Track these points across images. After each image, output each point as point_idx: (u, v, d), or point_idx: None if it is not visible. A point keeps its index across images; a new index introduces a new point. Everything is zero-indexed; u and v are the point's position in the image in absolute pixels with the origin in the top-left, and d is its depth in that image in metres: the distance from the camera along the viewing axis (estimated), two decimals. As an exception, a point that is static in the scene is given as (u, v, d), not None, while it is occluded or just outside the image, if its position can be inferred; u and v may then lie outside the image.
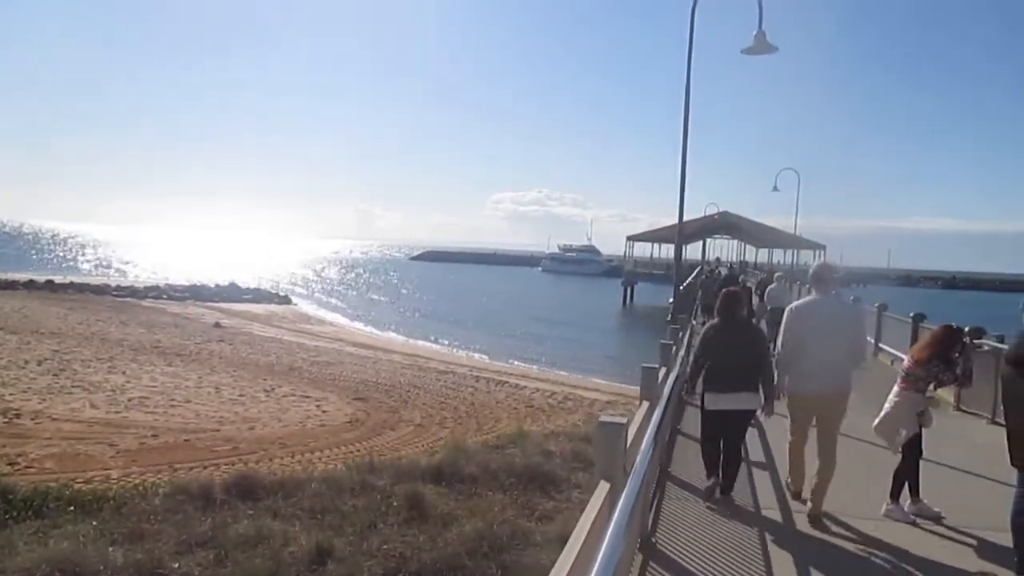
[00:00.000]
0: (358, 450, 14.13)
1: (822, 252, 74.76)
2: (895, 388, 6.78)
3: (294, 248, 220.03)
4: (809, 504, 6.49)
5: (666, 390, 5.89)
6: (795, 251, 70.80)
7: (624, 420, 3.33)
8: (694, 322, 17.60)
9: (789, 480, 7.08)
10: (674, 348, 8.86)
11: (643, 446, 3.74)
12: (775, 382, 6.77)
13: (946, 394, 10.32)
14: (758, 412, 6.97)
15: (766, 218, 78.55)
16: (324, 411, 17.59)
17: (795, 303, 7.10)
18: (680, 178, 14.21)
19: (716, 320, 7.09)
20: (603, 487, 2.98)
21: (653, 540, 5.62)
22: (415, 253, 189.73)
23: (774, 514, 6.49)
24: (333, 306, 55.25)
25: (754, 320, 9.91)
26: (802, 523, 6.30)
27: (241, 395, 18.77)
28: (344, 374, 23.03)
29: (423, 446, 14.70)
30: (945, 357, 6.62)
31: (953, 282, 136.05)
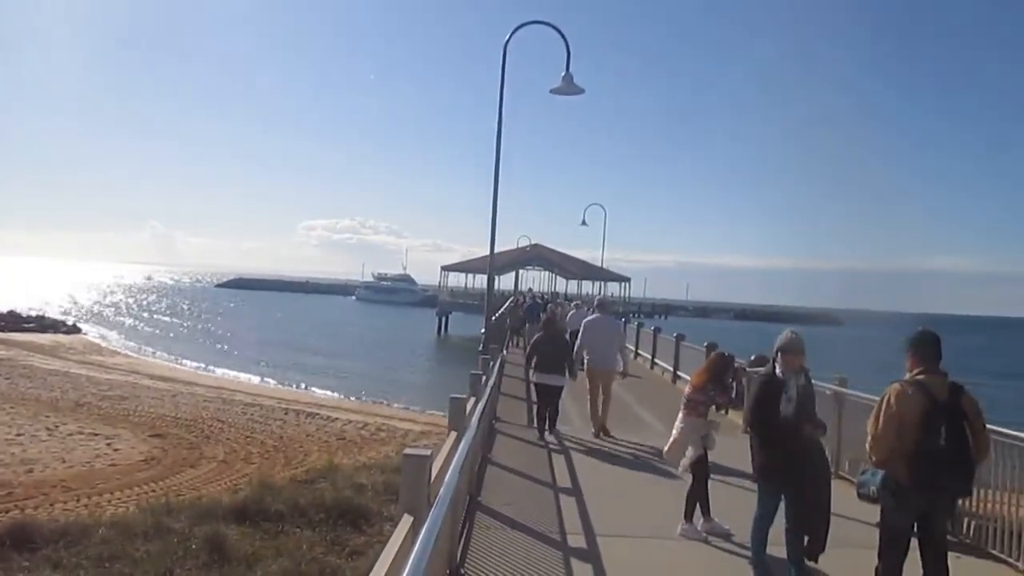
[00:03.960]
0: (154, 490, 13.22)
1: (627, 284, 78.80)
2: (680, 415, 7.24)
3: (88, 273, 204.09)
4: (599, 427, 11.59)
5: (474, 420, 5.95)
6: (603, 283, 73.96)
7: (429, 452, 3.33)
8: (505, 352, 18.06)
9: (592, 422, 11.75)
10: (484, 378, 8.98)
11: (447, 477, 3.75)
12: (575, 365, 11.54)
13: (736, 416, 11.09)
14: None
15: (576, 251, 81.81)
16: (116, 449, 16.34)
17: (588, 318, 12.23)
18: (492, 212, 14.52)
19: (541, 332, 11.94)
20: (406, 521, 2.96)
21: (462, 571, 5.64)
22: (222, 280, 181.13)
23: (579, 540, 6.68)
24: (129, 335, 51.66)
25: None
26: (604, 545, 6.53)
27: (19, 434, 17.08)
28: (140, 409, 21.52)
29: (226, 484, 13.97)
30: (720, 382, 7.17)
31: (743, 313, 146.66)
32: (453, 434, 5.24)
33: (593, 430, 11.65)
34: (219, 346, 47.12)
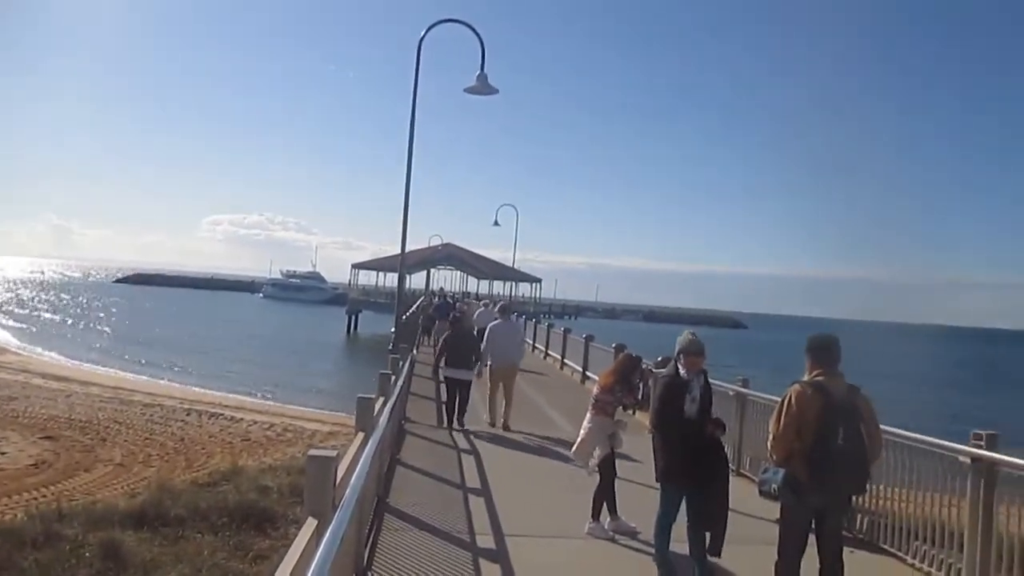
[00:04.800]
0: (44, 496, 12.61)
1: (538, 285, 79.46)
2: (588, 415, 7.33)
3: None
4: (502, 423, 12.49)
5: (382, 420, 5.87)
6: (514, 283, 74.40)
7: (334, 453, 3.26)
8: (415, 352, 18.01)
9: (488, 416, 12.87)
10: (394, 378, 8.89)
11: (353, 479, 3.68)
12: (480, 362, 12.60)
13: (644, 416, 11.28)
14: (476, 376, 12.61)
15: (489, 251, 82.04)
16: (2, 453, 15.53)
17: (492, 323, 13.54)
18: (403, 210, 14.41)
19: (450, 330, 13.00)
20: (311, 524, 2.89)
21: (369, 574, 5.56)
22: (121, 275, 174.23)
23: (487, 540, 6.67)
24: (18, 332, 49.20)
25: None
26: (512, 545, 6.54)
27: None
28: (29, 410, 20.50)
29: (123, 488, 13.45)
30: (627, 382, 7.28)
31: (652, 315, 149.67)
32: (360, 435, 5.15)
33: (489, 419, 12.80)
34: (116, 344, 45.32)
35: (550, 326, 28.17)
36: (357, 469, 3.93)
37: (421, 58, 14.07)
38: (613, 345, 16.61)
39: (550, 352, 25.25)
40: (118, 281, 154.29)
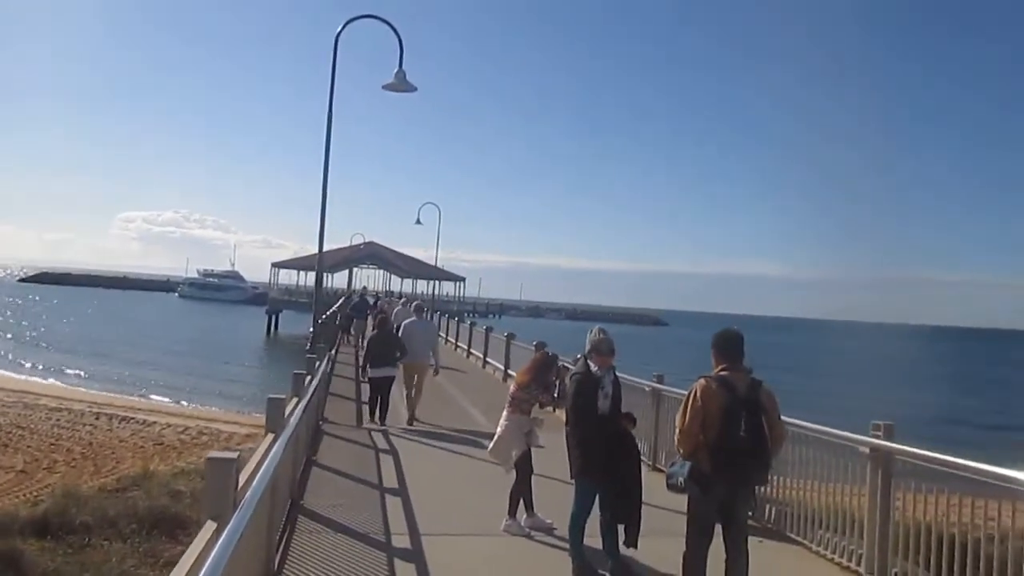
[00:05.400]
0: (-62, 506, 12.01)
1: (462, 284, 79.45)
2: (504, 413, 7.36)
3: None
4: (411, 416, 12.99)
5: (292, 420, 5.78)
6: (438, 282, 74.15)
7: (234, 455, 3.19)
8: (333, 352, 17.86)
9: (407, 411, 13.18)
10: (309, 378, 8.75)
11: (256, 481, 3.60)
12: (401, 356, 12.90)
13: (561, 414, 11.38)
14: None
15: (412, 249, 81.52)
16: None
17: (407, 321, 14.06)
18: (321, 207, 14.20)
19: (376, 330, 13.63)
20: (209, 527, 2.81)
21: (280, 577, 5.47)
22: (25, 273, 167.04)
23: (403, 540, 6.63)
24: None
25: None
26: (428, 544, 6.52)
27: None
28: (-78, 417, 19.53)
29: (26, 495, 12.91)
30: (543, 380, 7.31)
31: (574, 314, 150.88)
32: (270, 436, 5.06)
33: (407, 414, 13.19)
34: (21, 347, 43.46)
35: (472, 324, 28.16)
36: (261, 471, 3.85)
37: (339, 55, 13.87)
38: (534, 343, 16.73)
39: (472, 351, 25.24)
40: (23, 280, 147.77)
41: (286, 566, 5.73)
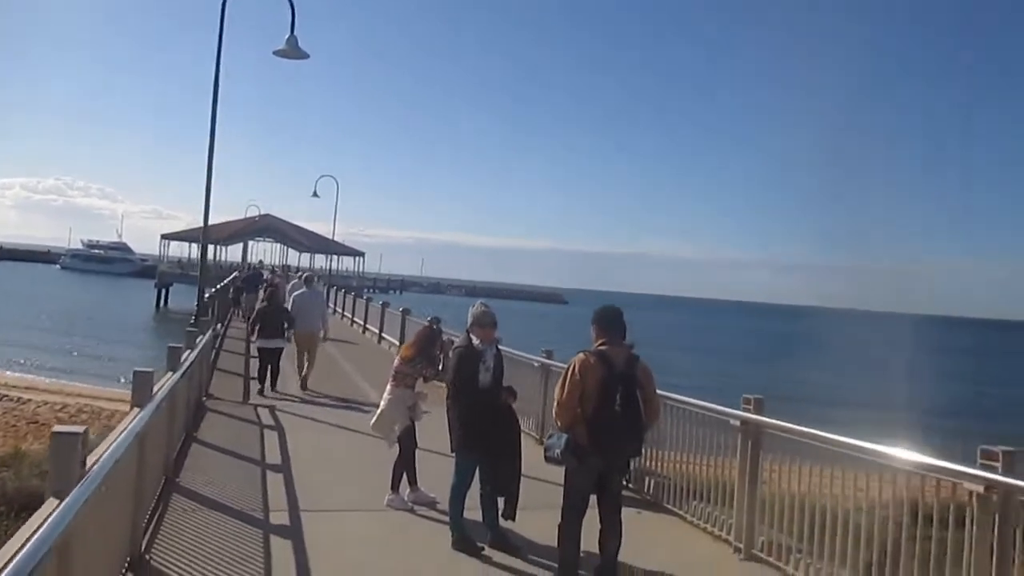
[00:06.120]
0: None
1: (362, 259, 78.28)
2: (388, 386, 7.30)
3: None
4: (303, 384, 13.47)
5: (160, 394, 5.56)
6: (337, 256, 72.92)
7: (81, 429, 3.03)
8: (219, 326, 17.44)
9: (299, 380, 13.54)
10: (188, 352, 8.47)
11: (106, 455, 3.44)
12: (290, 328, 13.30)
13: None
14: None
15: (312, 223, 79.80)
16: None
17: (296, 292, 14.92)
18: (207, 175, 13.67)
19: (265, 302, 13.88)
20: (50, 504, 2.67)
21: (148, 557, 5.28)
22: None
23: (282, 517, 6.51)
24: None
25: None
26: (308, 520, 6.42)
27: None
28: None
29: None
30: (428, 355, 7.29)
31: (475, 290, 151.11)
32: (136, 410, 4.85)
33: (300, 383, 13.56)
34: None
35: (369, 300, 27.88)
36: (114, 444, 3.69)
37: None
38: (427, 318, 16.67)
39: (369, 326, 25.01)
40: None
41: (155, 546, 5.54)
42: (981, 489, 4.30)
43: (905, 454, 4.87)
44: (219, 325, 18.41)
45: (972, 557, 4.34)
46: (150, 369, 5.45)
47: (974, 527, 4.35)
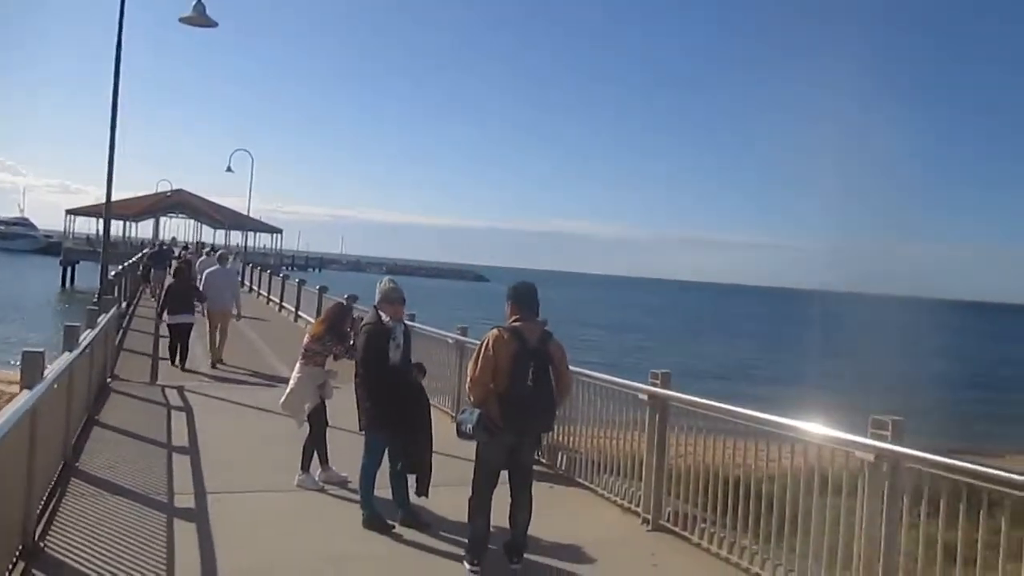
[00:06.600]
0: None
1: (280, 236, 76.65)
2: (297, 365, 7.18)
3: None
4: (215, 361, 13.51)
5: (51, 375, 5.33)
6: (254, 233, 71.29)
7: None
8: (127, 305, 16.96)
9: (210, 356, 13.62)
10: (88, 331, 8.16)
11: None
12: (201, 303, 13.49)
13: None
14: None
15: (228, 199, 77.70)
16: None
17: (208, 269, 14.91)
18: (109, 147, 13.16)
19: (174, 279, 13.58)
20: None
21: (42, 544, 5.08)
22: None
23: (188, 500, 6.35)
24: None
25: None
26: (216, 502, 6.28)
27: None
28: None
29: None
30: (338, 331, 7.18)
31: (395, 268, 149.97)
32: (25, 392, 4.64)
33: (211, 361, 13.58)
34: None
35: (285, 278, 27.37)
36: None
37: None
38: (345, 296, 16.44)
39: (285, 304, 24.57)
40: None
41: (51, 533, 5.33)
42: (872, 458, 4.48)
43: (804, 425, 5.03)
44: (125, 304, 17.82)
45: (864, 523, 4.52)
46: (40, 349, 5.21)
47: (866, 494, 4.53)
